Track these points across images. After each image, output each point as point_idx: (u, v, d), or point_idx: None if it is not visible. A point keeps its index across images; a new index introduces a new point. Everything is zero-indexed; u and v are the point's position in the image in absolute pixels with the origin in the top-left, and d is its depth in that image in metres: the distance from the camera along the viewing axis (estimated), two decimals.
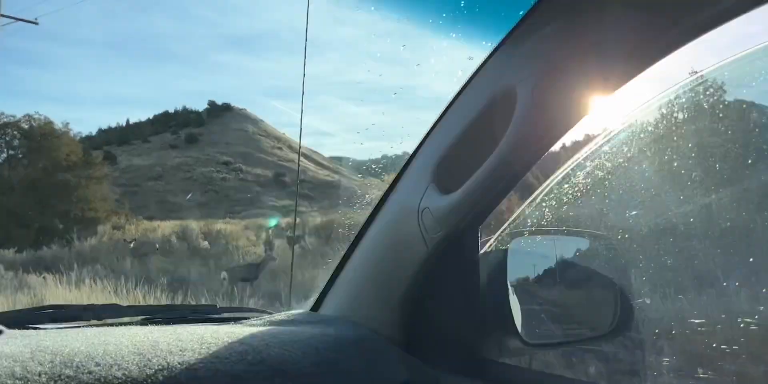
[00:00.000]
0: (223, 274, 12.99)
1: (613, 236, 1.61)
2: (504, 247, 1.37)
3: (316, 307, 1.43)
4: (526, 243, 1.51)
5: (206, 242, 15.54)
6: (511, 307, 1.31)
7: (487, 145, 1.02)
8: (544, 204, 1.53)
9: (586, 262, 1.61)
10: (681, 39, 0.83)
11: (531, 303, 1.59)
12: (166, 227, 21.15)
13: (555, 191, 1.51)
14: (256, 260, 13.75)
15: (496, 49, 0.99)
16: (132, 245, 15.73)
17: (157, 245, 15.78)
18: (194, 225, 19.28)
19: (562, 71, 0.92)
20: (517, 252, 1.45)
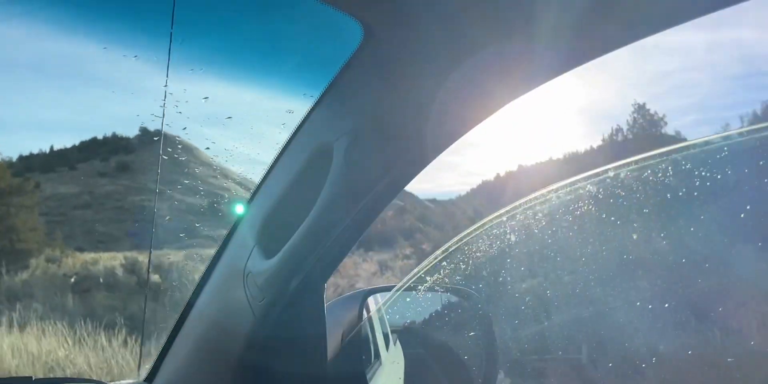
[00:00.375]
0: None
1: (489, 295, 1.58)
2: (364, 305, 1.33)
3: (150, 377, 1.33)
4: (393, 300, 1.47)
5: (157, 275, 14.85)
6: (372, 368, 1.29)
7: (306, 204, 0.99)
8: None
9: (456, 319, 1.57)
10: (504, 97, 0.85)
11: (395, 361, 1.61)
12: (107, 259, 20.05)
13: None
14: None
15: (316, 104, 0.97)
16: (73, 280, 15.15)
17: (101, 279, 15.24)
18: (141, 257, 18.58)
19: (378, 127, 0.91)
20: (382, 309, 1.42)
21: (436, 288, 1.57)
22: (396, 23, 0.80)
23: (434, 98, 0.85)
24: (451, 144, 0.95)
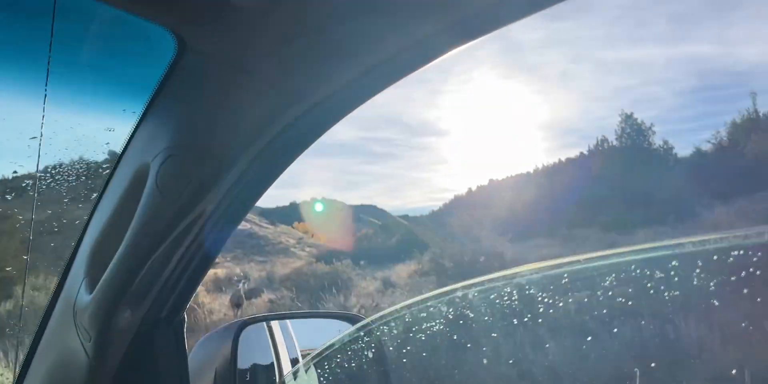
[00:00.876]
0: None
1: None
2: (239, 337, 1.28)
3: None
4: (259, 330, 1.45)
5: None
6: None
7: (124, 232, 0.92)
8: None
9: (352, 344, 1.56)
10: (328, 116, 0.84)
11: None
12: None
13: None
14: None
15: (138, 122, 0.93)
16: None
17: None
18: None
19: (194, 146, 0.87)
20: (250, 340, 1.38)
21: (325, 314, 1.78)
22: (210, 35, 0.78)
23: (252, 114, 0.83)
24: (288, 162, 0.90)
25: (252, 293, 15.99)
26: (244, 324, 1.35)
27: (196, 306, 13.56)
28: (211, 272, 23.27)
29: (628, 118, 32.09)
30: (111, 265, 0.93)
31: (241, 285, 15.05)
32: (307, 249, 66.06)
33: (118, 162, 0.98)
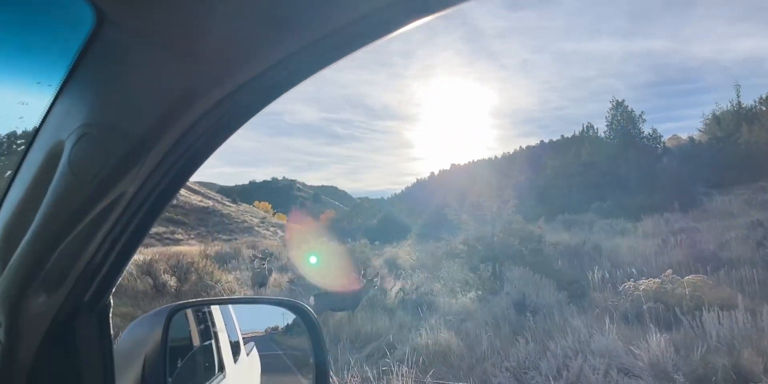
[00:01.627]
0: (311, 299, 10.78)
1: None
2: (169, 322, 1.22)
3: None
4: (183, 317, 1.41)
5: (174, 278, 12.24)
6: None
7: (35, 213, 0.88)
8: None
9: (293, 327, 1.55)
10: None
11: (249, 368, 1.67)
12: None
13: None
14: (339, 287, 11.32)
15: (55, 96, 0.88)
16: None
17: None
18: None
19: (108, 127, 0.82)
20: (183, 325, 1.39)
21: (266, 300, 1.86)
22: (130, 6, 0.74)
23: (176, 92, 0.78)
24: (217, 143, 0.86)
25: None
26: (175, 309, 1.29)
27: (214, 284, 12.22)
28: (217, 248, 21.86)
29: (618, 106, 31.82)
30: (21, 246, 0.90)
31: (265, 263, 13.72)
32: (271, 228, 65.38)
33: (33, 138, 0.93)
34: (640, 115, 31.33)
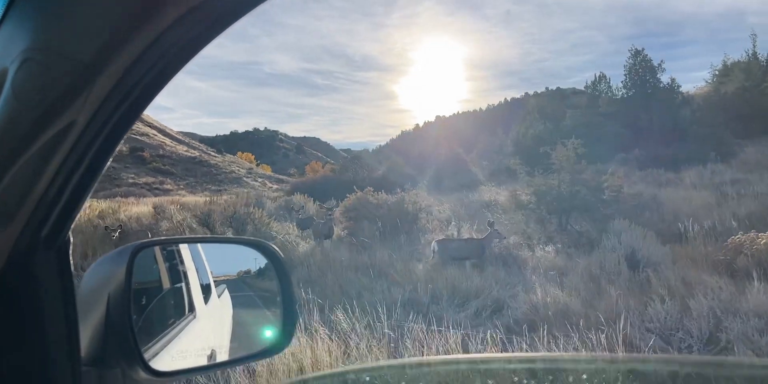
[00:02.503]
0: (434, 245, 9.76)
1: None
2: (133, 261, 1.19)
3: None
4: (150, 255, 1.37)
5: (231, 229, 11.12)
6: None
7: None
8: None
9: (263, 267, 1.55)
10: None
11: (220, 311, 1.68)
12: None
13: None
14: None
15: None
16: (116, 236, 10.99)
17: (149, 234, 11.37)
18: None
19: (53, 51, 0.77)
20: (149, 264, 1.34)
21: (234, 240, 1.96)
22: None
23: (126, 15, 0.73)
24: (174, 70, 0.83)
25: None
26: (140, 246, 1.25)
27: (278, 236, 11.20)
28: (226, 198, 20.76)
29: (637, 54, 30.76)
30: None
31: (332, 213, 12.68)
32: (259, 179, 64.21)
33: None
34: (660, 65, 30.38)
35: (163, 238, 1.46)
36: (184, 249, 1.60)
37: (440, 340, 5.54)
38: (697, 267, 8.79)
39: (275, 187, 57.96)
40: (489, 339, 5.70)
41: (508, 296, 8.27)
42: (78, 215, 0.93)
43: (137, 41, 0.73)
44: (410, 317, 6.11)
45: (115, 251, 1.24)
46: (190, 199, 24.96)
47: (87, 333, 1.05)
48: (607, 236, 9.86)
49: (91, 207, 16.52)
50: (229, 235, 11.27)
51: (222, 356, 1.43)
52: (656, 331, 6.83)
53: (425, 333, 5.65)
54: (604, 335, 6.28)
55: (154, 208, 16.80)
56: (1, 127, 0.81)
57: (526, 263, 10.09)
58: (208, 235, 10.31)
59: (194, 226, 11.27)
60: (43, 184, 0.85)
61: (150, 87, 0.82)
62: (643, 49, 30.78)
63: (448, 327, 6.27)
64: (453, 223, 14.46)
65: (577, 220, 12.90)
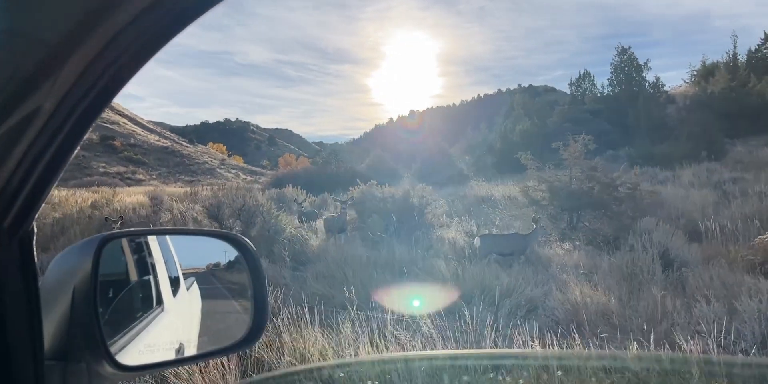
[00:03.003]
0: (477, 240, 9.20)
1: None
2: (99, 252, 1.15)
3: None
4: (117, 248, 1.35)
5: (239, 222, 10.48)
6: (101, 326, 1.18)
7: None
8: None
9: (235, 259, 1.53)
10: None
11: (189, 304, 1.65)
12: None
13: None
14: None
15: None
16: (116, 227, 10.25)
17: (151, 226, 10.69)
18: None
19: (17, 34, 0.74)
20: (116, 256, 1.34)
21: (205, 232, 1.82)
22: None
23: None
24: (147, 56, 0.79)
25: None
26: (107, 238, 1.20)
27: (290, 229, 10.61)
28: (215, 190, 19.98)
29: (623, 52, 30.87)
30: None
31: (346, 206, 12.11)
32: (232, 170, 62.93)
33: None
34: (645, 64, 30.56)
35: (131, 229, 1.42)
36: (153, 241, 1.58)
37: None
38: (731, 267, 8.60)
39: (249, 178, 56.84)
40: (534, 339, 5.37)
41: (540, 295, 7.95)
42: (42, 205, 0.90)
43: (108, 24, 0.71)
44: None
45: (82, 242, 1.20)
46: (174, 189, 24.09)
47: (51, 326, 1.03)
48: (633, 234, 9.62)
49: (82, 197, 15.71)
50: (237, 228, 10.76)
51: (190, 350, 1.42)
52: (706, 334, 6.58)
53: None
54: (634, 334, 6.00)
55: (151, 199, 16.11)
56: None
57: (550, 261, 9.77)
58: (178, 227, 9.96)
59: (199, 218, 10.63)
60: (7, 172, 0.83)
61: (121, 72, 0.79)
62: (629, 47, 30.97)
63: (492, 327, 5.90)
64: (455, 218, 14.11)
65: (587, 217, 12.68)
